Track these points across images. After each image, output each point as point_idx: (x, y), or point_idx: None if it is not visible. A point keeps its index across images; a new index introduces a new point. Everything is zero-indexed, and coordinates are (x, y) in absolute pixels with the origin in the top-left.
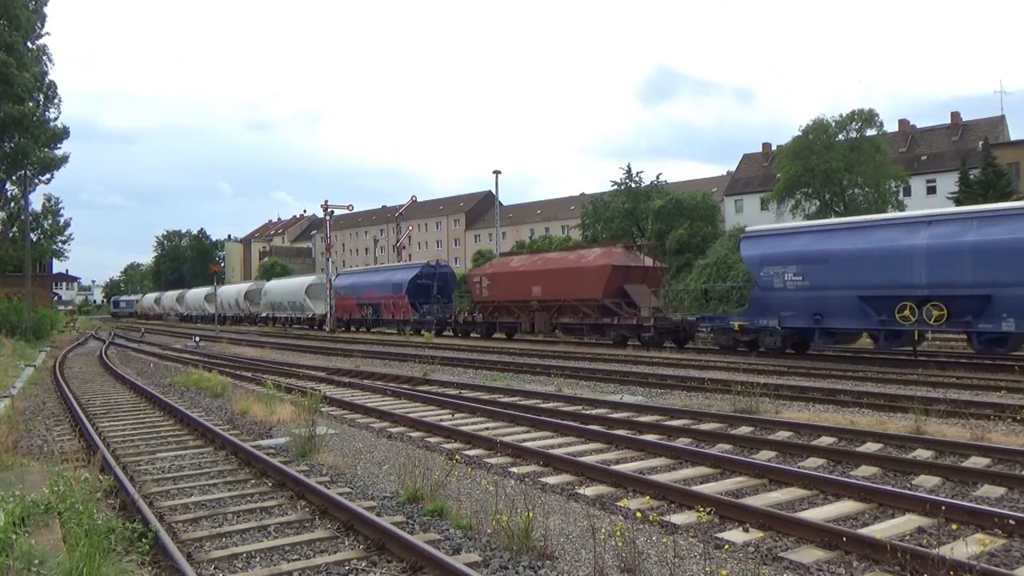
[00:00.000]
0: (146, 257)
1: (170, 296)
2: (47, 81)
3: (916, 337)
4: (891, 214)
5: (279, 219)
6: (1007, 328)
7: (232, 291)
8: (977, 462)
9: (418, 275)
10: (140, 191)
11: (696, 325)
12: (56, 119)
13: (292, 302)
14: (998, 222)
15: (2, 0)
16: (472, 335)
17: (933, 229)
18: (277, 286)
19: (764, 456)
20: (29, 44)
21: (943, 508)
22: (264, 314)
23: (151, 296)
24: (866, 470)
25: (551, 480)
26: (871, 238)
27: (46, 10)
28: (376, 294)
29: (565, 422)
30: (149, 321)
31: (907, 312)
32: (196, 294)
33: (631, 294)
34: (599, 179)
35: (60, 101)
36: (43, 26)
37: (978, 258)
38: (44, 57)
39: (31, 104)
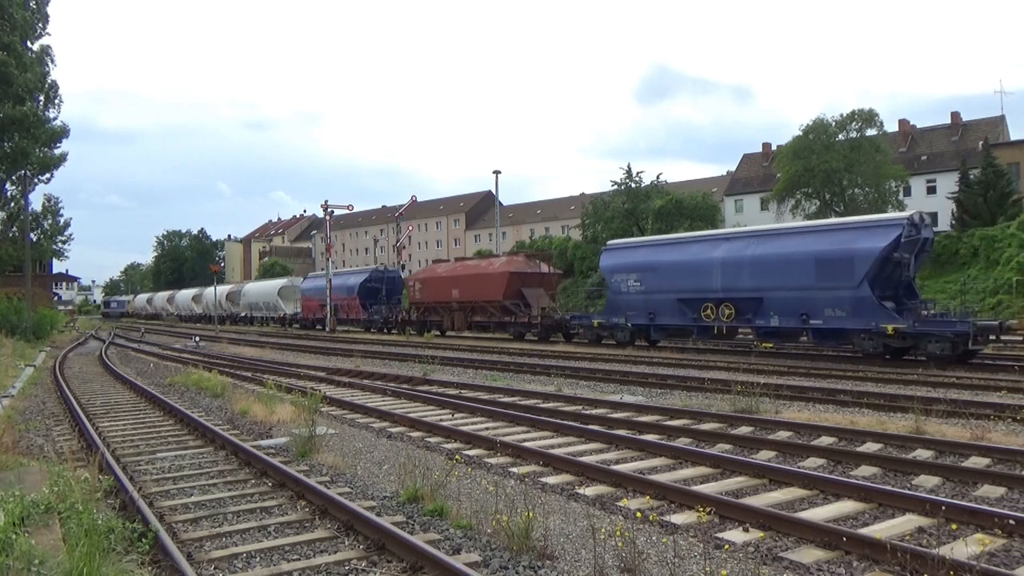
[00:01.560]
0: (145, 257)
1: (161, 297)
2: (49, 82)
3: (716, 332)
4: (702, 232)
5: (279, 219)
6: (774, 323)
7: (218, 292)
8: (977, 462)
9: (368, 279)
10: (138, 191)
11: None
12: (55, 119)
13: (266, 303)
14: (767, 240)
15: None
16: (409, 332)
17: (728, 244)
18: (253, 288)
19: (764, 456)
20: (30, 44)
21: (943, 508)
22: (243, 314)
23: (143, 296)
24: (866, 470)
25: (551, 480)
26: (686, 251)
27: (48, 10)
28: (334, 296)
29: (565, 422)
30: (149, 321)
31: (708, 311)
32: (185, 295)
33: (527, 296)
34: (598, 179)
35: (61, 102)
36: (45, 26)
37: (754, 268)
38: (47, 57)
39: (31, 104)
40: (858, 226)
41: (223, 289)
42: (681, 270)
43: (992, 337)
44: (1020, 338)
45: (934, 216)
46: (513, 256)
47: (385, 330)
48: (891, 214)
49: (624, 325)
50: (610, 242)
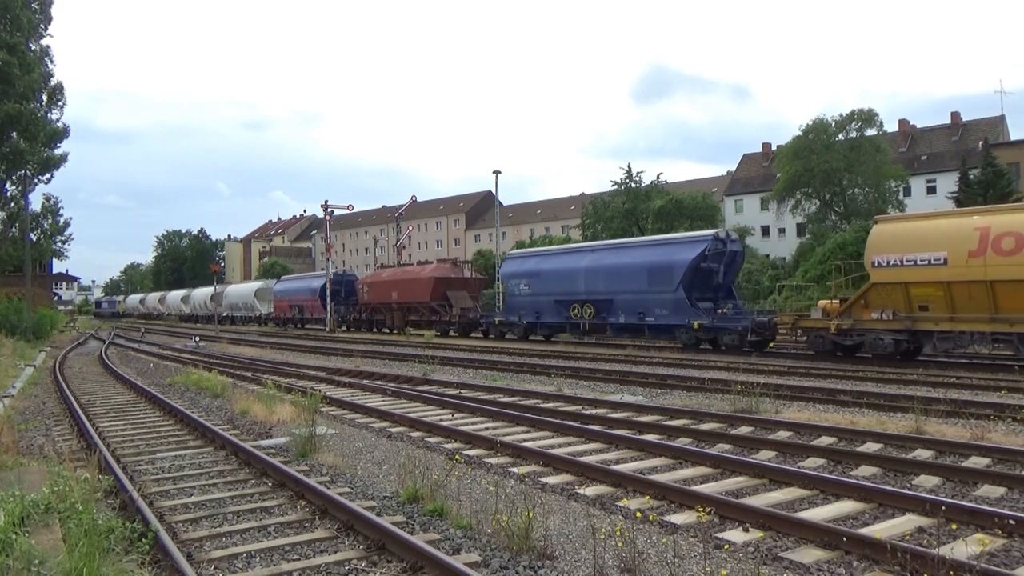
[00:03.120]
0: (144, 257)
1: (153, 298)
2: (54, 83)
3: (582, 328)
4: (573, 245)
5: (279, 219)
6: (622, 321)
7: (203, 294)
8: (977, 462)
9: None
10: (137, 191)
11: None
12: (58, 120)
13: (244, 303)
14: (617, 251)
15: (3, 1)
16: (362, 329)
17: (591, 255)
18: (234, 290)
19: (764, 456)
20: (32, 45)
21: (943, 508)
22: (225, 313)
23: (135, 297)
24: (866, 470)
25: (551, 480)
26: (561, 261)
27: (52, 11)
28: (300, 297)
29: (565, 422)
30: (149, 321)
31: (576, 310)
32: (174, 296)
33: (451, 298)
34: (597, 179)
35: (65, 104)
36: (48, 27)
37: (607, 275)
38: (46, 58)
39: (33, 104)
40: (676, 242)
41: (207, 290)
42: (557, 277)
43: (766, 330)
44: (784, 332)
45: None
46: (441, 263)
47: (345, 327)
48: (700, 232)
49: (519, 322)
50: (509, 252)
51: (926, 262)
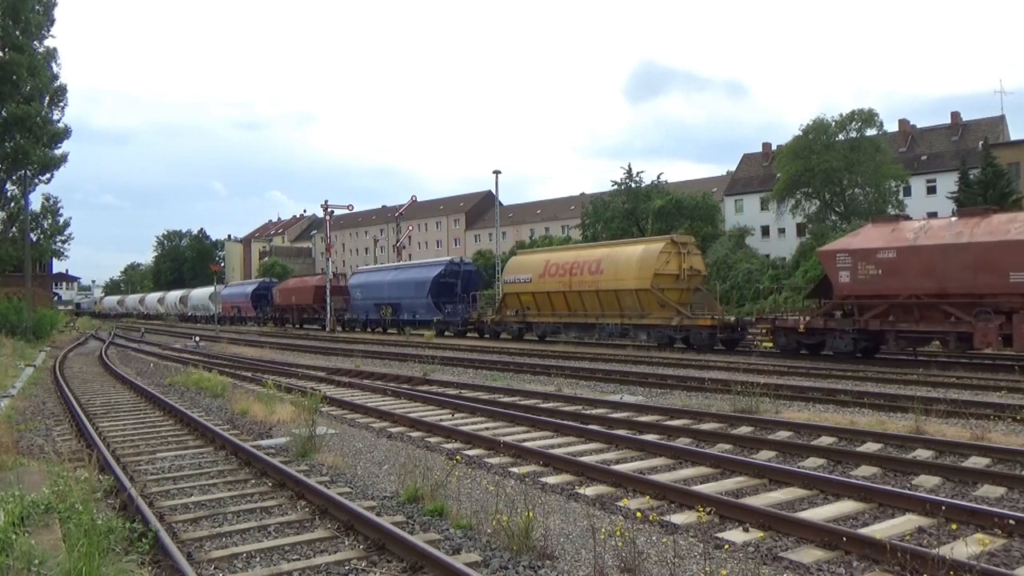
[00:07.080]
0: (142, 257)
1: (134, 299)
2: (57, 84)
3: (388, 323)
4: (385, 265)
5: (279, 219)
6: (406, 317)
7: (174, 296)
8: (977, 462)
9: (257, 288)
10: (133, 191)
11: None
12: (59, 120)
13: (203, 305)
14: (403, 271)
15: (11, 3)
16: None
17: (393, 272)
18: (195, 293)
19: (764, 456)
20: (37, 45)
21: (943, 508)
22: (190, 313)
23: (113, 298)
24: (866, 470)
25: (551, 480)
26: (378, 276)
27: (55, 13)
28: (238, 300)
29: (565, 422)
30: (150, 321)
31: (384, 311)
32: (152, 297)
33: (327, 302)
34: (598, 178)
35: (66, 105)
36: (50, 28)
37: (398, 287)
38: (51, 61)
39: (37, 104)
40: (428, 264)
41: (177, 293)
42: (374, 287)
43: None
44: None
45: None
46: (323, 275)
47: (271, 324)
48: (441, 259)
49: (358, 319)
50: (356, 269)
51: (523, 280)
